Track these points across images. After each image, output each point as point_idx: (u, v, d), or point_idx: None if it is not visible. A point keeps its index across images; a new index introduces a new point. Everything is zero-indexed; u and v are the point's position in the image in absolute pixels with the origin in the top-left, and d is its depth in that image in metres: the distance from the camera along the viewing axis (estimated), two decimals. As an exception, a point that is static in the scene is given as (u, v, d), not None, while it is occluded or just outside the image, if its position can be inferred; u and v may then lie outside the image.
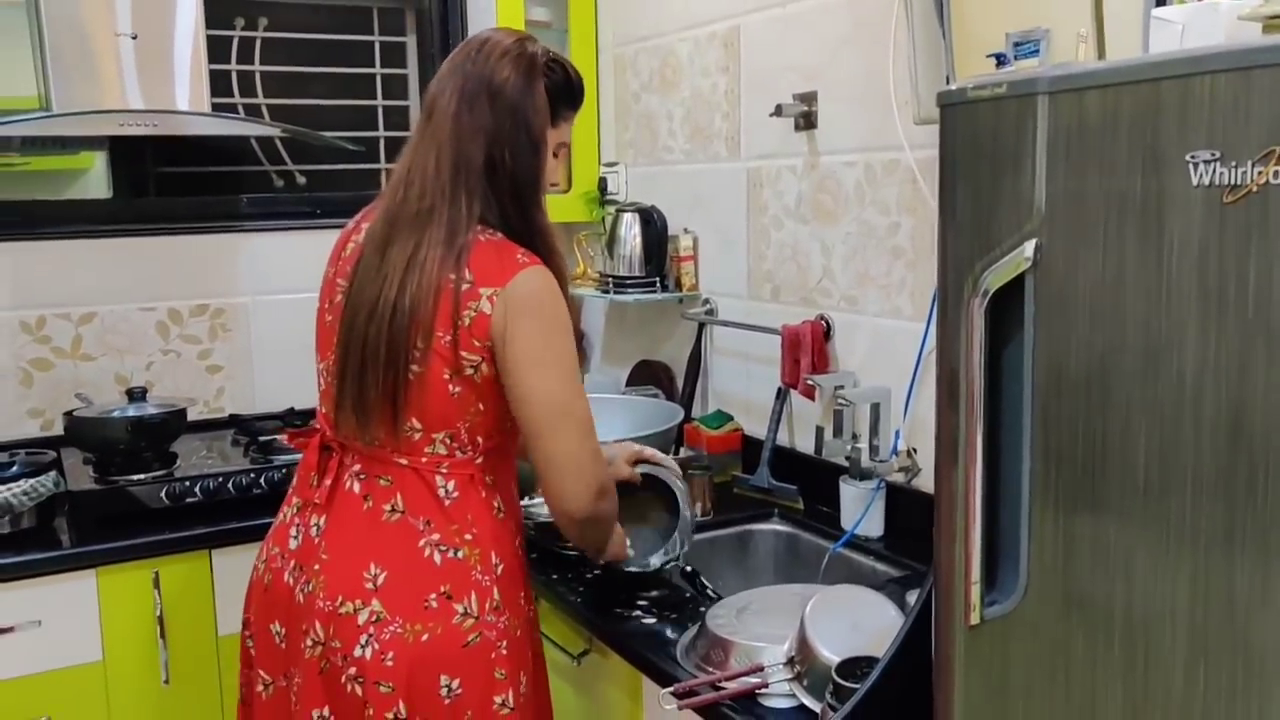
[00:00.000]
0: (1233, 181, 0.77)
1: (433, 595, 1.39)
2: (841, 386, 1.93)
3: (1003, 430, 0.99)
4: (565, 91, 1.48)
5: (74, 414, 2.21)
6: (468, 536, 1.42)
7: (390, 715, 1.36)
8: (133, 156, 2.53)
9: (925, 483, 1.87)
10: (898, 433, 1.90)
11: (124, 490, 2.07)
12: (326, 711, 1.40)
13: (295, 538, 1.48)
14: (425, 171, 1.40)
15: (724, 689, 1.39)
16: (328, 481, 1.45)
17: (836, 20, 2.00)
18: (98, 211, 2.49)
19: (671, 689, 1.40)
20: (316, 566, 1.43)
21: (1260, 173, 0.75)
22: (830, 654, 1.32)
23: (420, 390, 1.38)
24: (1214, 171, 0.78)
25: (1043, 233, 0.91)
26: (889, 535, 1.91)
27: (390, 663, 1.37)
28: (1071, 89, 0.88)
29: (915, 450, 1.89)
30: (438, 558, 1.40)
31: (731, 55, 2.29)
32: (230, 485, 2.13)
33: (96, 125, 2.18)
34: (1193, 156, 0.79)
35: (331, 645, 1.39)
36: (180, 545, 2.01)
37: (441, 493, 1.42)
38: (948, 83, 1.60)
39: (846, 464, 1.91)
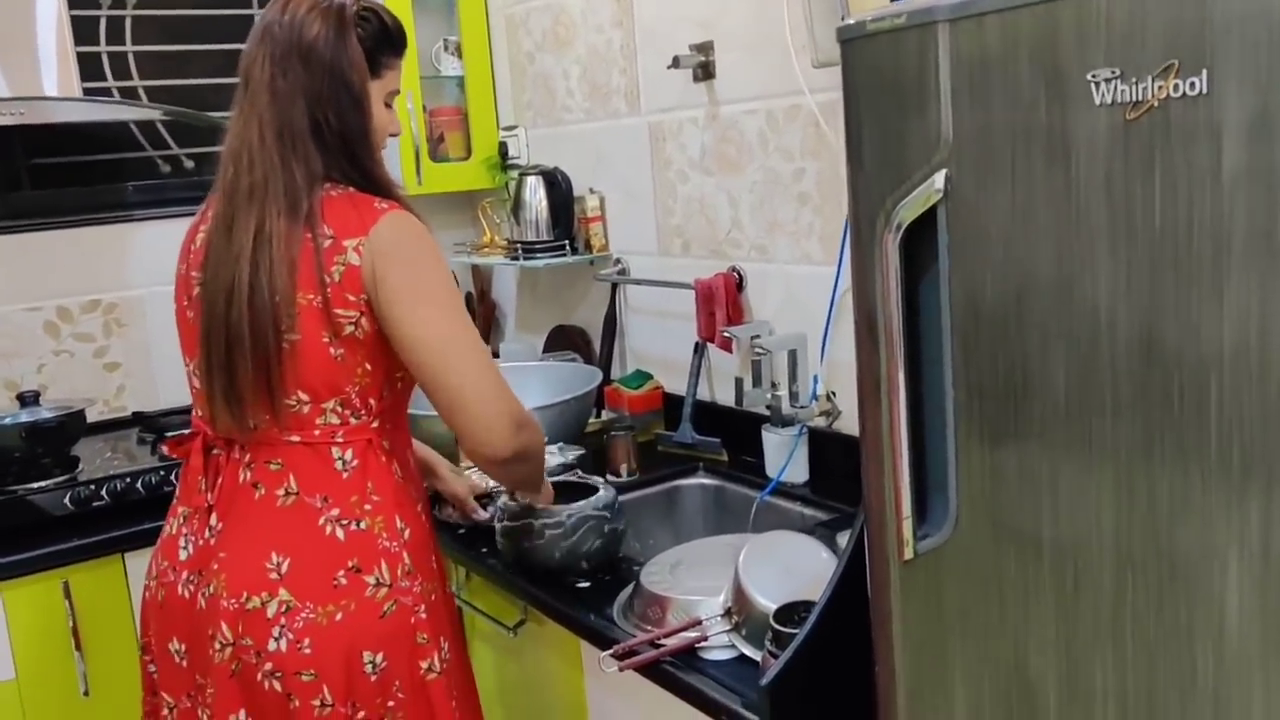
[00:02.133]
0: (1134, 99, 0.77)
1: (340, 572, 1.35)
2: (757, 336, 1.93)
3: (923, 365, 1.00)
4: (383, 39, 1.42)
5: (-38, 424, 2.10)
6: (368, 506, 1.38)
7: (316, 703, 1.33)
8: (1, 150, 2.39)
9: (847, 425, 1.89)
10: (816, 378, 1.92)
11: (23, 500, 1.98)
12: (243, 715, 1.35)
13: (185, 548, 1.42)
14: (251, 145, 1.35)
15: (663, 646, 1.39)
16: (218, 480, 1.40)
17: (728, -33, 1.98)
18: (-31, 210, 2.36)
19: (611, 651, 1.40)
20: (215, 566, 1.37)
21: (1160, 87, 0.76)
22: (767, 601, 1.33)
23: (300, 360, 1.33)
24: (1115, 89, 0.78)
25: (952, 163, 0.91)
26: (814, 480, 1.92)
27: (308, 650, 1.33)
28: (970, 14, 0.87)
29: (834, 394, 1.91)
30: (340, 533, 1.36)
31: (624, 9, 2.25)
32: (139, 485, 2.05)
33: (-42, 117, 2.05)
34: (1093, 75, 0.79)
35: (242, 644, 1.34)
36: (90, 552, 1.94)
37: (339, 464, 1.38)
38: (841, 22, 1.59)
39: (768, 413, 1.92)
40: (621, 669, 1.38)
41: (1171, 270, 0.78)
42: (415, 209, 1.42)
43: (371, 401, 1.39)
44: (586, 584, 1.61)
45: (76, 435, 2.15)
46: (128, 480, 2.04)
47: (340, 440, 1.38)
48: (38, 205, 2.42)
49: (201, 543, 1.40)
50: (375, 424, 1.40)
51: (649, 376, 2.32)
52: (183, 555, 1.42)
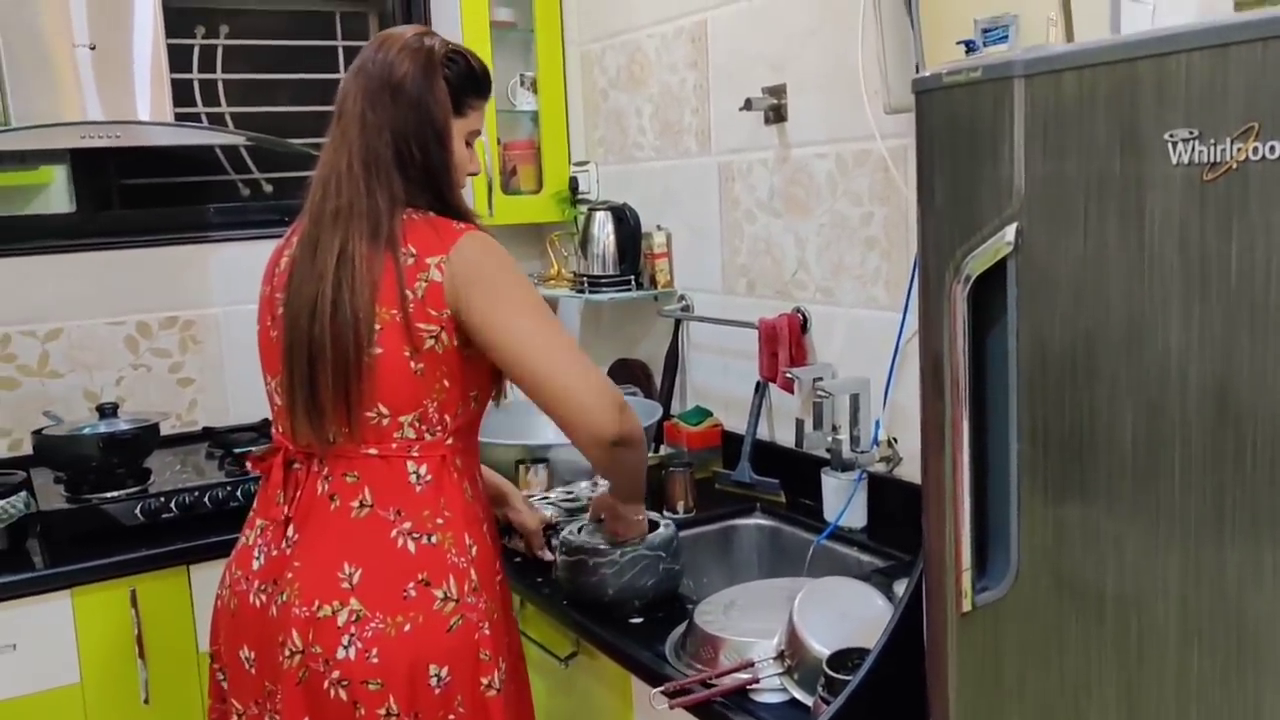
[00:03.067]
0: (1212, 159, 0.77)
1: (410, 584, 1.38)
2: (820, 378, 1.92)
3: (988, 415, 0.99)
4: (468, 81, 1.49)
5: (43, 432, 2.17)
6: (439, 521, 1.42)
7: (381, 712, 1.35)
8: (95, 169, 2.49)
9: (907, 472, 1.87)
10: (878, 423, 1.90)
11: (97, 509, 2.03)
12: None
13: (258, 558, 1.46)
14: (339, 172, 1.42)
15: (715, 686, 1.38)
16: (297, 493, 1.44)
17: (804, 12, 2.00)
18: (61, 226, 2.45)
19: (662, 688, 1.40)
20: (289, 575, 1.41)
21: (1239, 149, 0.75)
22: (821, 646, 1.32)
23: (381, 374, 1.38)
24: (1193, 150, 0.78)
25: (1023, 216, 0.91)
26: (872, 526, 1.91)
27: (375, 659, 1.35)
28: (1047, 71, 0.87)
29: (896, 440, 1.89)
30: (412, 546, 1.40)
31: (699, 50, 2.28)
32: (206, 499, 2.10)
33: (57, 138, 2.14)
34: (1171, 135, 0.79)
35: (311, 651, 1.37)
36: (157, 562, 1.98)
37: (413, 478, 1.42)
38: (917, 71, 1.60)
39: (827, 456, 1.91)
40: (672, 706, 1.37)
41: (1246, 330, 0.77)
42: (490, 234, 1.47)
43: (447, 418, 1.43)
44: (640, 620, 1.61)
45: (150, 448, 2.21)
46: (196, 494, 2.09)
47: (415, 455, 1.42)
48: (125, 224, 2.50)
49: (276, 553, 1.44)
50: (450, 441, 1.44)
51: (709, 413, 2.32)
52: (255, 565, 1.46)
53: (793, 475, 2.06)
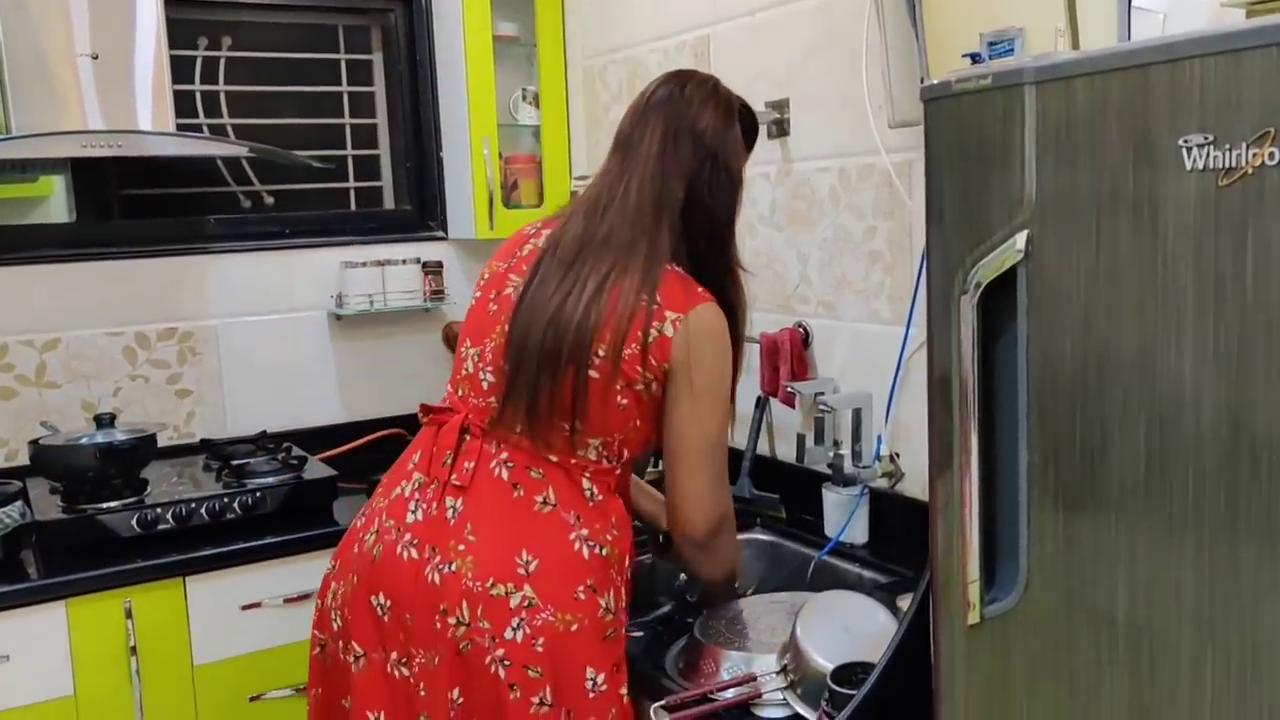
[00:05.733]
0: (1227, 164, 0.77)
1: (581, 588, 1.41)
2: (822, 393, 1.92)
3: (996, 426, 0.98)
4: (752, 131, 1.59)
5: (40, 442, 2.15)
6: (610, 536, 1.46)
7: (537, 700, 1.37)
8: (96, 179, 2.48)
9: (909, 488, 1.86)
10: (880, 438, 1.90)
11: (93, 519, 2.02)
12: (458, 693, 1.39)
13: (415, 512, 1.48)
14: (624, 203, 1.48)
15: (716, 700, 1.37)
16: (468, 464, 1.46)
17: (807, 27, 2.00)
18: (60, 235, 2.44)
19: (663, 702, 1.38)
20: (461, 547, 1.42)
21: (1255, 154, 0.75)
22: (824, 661, 1.30)
23: (592, 395, 1.42)
24: (1208, 155, 0.78)
25: (1034, 224, 0.91)
26: (874, 541, 1.89)
27: (540, 648, 1.38)
28: (1058, 78, 0.87)
29: (898, 455, 1.88)
30: (586, 552, 1.43)
31: (702, 64, 2.28)
32: (203, 511, 2.08)
33: (57, 147, 2.13)
34: (1185, 141, 0.79)
35: (479, 625, 1.39)
36: (153, 574, 1.96)
37: (588, 493, 1.46)
38: (923, 84, 1.59)
39: (829, 471, 1.90)
40: (673, 721, 1.36)
41: (1262, 341, 0.77)
42: (745, 298, 1.58)
43: (625, 452, 1.49)
44: (640, 633, 1.60)
45: (147, 459, 2.20)
46: (192, 505, 2.08)
47: (590, 474, 1.46)
48: (125, 234, 2.49)
49: (436, 515, 1.46)
50: (619, 471, 1.50)
51: (709, 428, 2.31)
52: (410, 519, 1.48)
53: (793, 490, 2.05)
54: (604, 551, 1.45)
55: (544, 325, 1.43)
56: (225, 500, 2.11)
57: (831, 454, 1.86)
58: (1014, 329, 0.95)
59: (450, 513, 1.45)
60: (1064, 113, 0.87)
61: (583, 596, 1.41)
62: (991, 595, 0.99)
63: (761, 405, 2.15)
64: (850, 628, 1.39)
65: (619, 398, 1.43)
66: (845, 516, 1.89)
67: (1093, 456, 0.89)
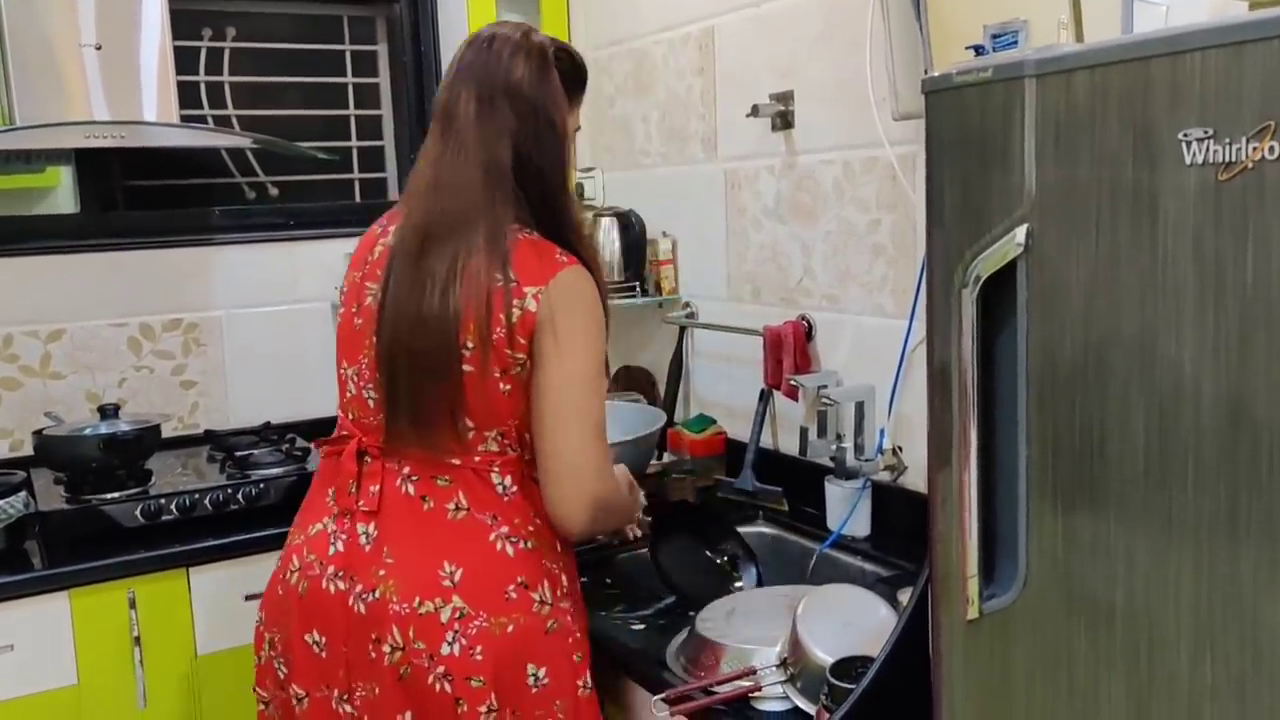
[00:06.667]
0: (1227, 159, 0.76)
1: (511, 586, 1.40)
2: (825, 386, 1.91)
3: (996, 421, 0.98)
4: (575, 77, 1.50)
5: (44, 433, 2.16)
6: (532, 528, 1.43)
7: (483, 709, 1.36)
8: (100, 170, 2.48)
9: (911, 481, 1.86)
10: (882, 431, 1.89)
11: (97, 509, 2.02)
12: (409, 717, 1.38)
13: (335, 544, 1.45)
14: (454, 179, 1.40)
15: (716, 694, 1.37)
16: (373, 488, 1.43)
17: (811, 19, 1.99)
18: (65, 226, 2.44)
19: (663, 695, 1.38)
20: (382, 572, 1.40)
21: (1255, 149, 0.74)
22: (824, 654, 1.30)
23: (473, 389, 1.38)
24: (1207, 149, 0.77)
25: (1034, 217, 0.90)
26: (876, 535, 1.89)
27: (479, 656, 1.36)
28: (1059, 71, 0.86)
29: (901, 448, 1.88)
30: (510, 549, 1.41)
31: (706, 56, 2.27)
32: (207, 502, 2.09)
33: (62, 137, 2.13)
34: (1185, 135, 0.78)
35: (414, 647, 1.37)
36: (156, 564, 1.97)
37: (500, 489, 1.43)
38: (927, 74, 1.59)
39: (831, 464, 1.90)
40: (673, 714, 1.36)
41: (1263, 334, 0.76)
42: (597, 254, 1.50)
43: (526, 436, 1.44)
44: (640, 626, 1.60)
45: (151, 449, 2.20)
46: (196, 496, 2.08)
47: (498, 468, 1.43)
48: (130, 225, 2.49)
49: (352, 544, 1.43)
50: (527, 457, 1.45)
51: (712, 421, 2.31)
52: (331, 551, 1.45)
53: (796, 484, 2.05)
54: (529, 545, 1.42)
55: (408, 330, 1.37)
56: (229, 491, 2.11)
57: (834, 447, 1.86)
58: (1014, 323, 0.94)
59: (364, 539, 1.42)
60: (1064, 106, 0.87)
61: (514, 595, 1.39)
62: (991, 590, 0.99)
63: (765, 398, 2.15)
64: (850, 622, 1.38)
65: (500, 385, 1.38)
66: (847, 510, 1.89)
67: (1092, 451, 0.89)
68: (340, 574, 1.43)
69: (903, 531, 1.84)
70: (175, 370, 2.52)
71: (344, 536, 1.44)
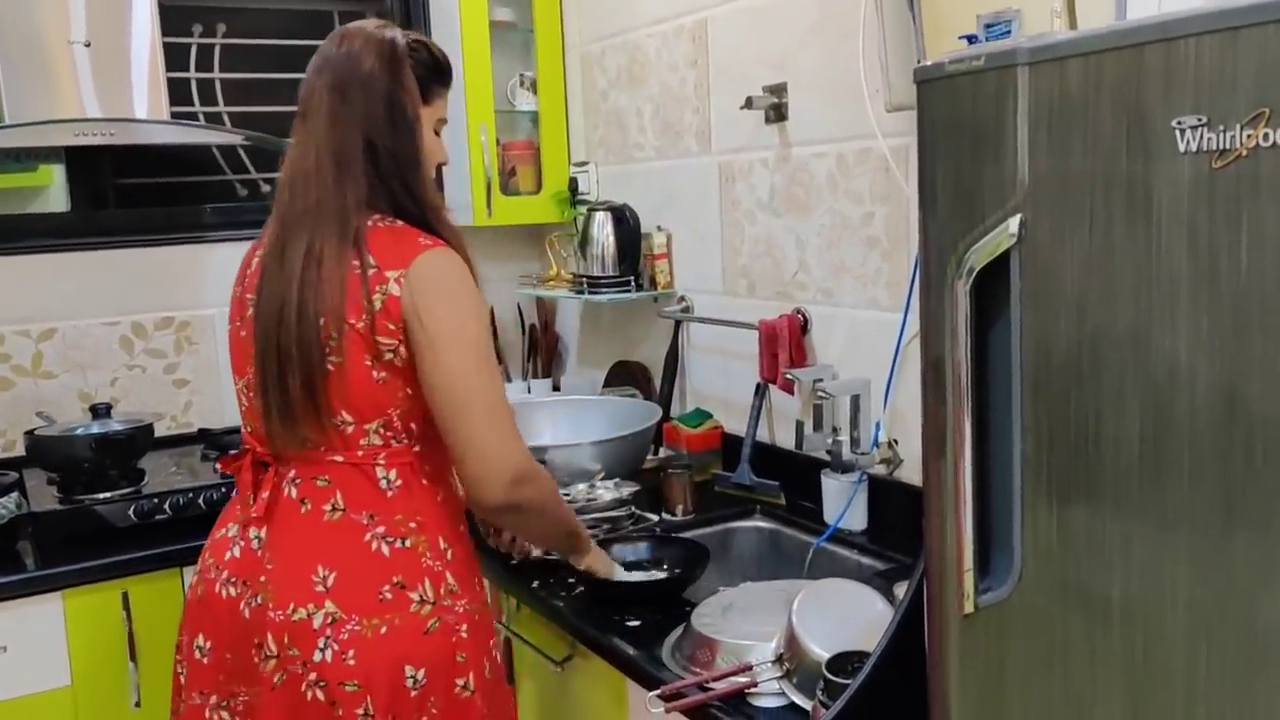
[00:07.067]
0: (1221, 146, 0.75)
1: (385, 587, 1.37)
2: (820, 380, 1.90)
3: (991, 413, 0.97)
4: (433, 69, 1.49)
5: (35, 433, 2.15)
6: (412, 525, 1.40)
7: (360, 712, 1.34)
8: (90, 169, 2.47)
9: (908, 474, 1.85)
10: (878, 424, 1.88)
11: (90, 509, 2.01)
12: None
13: (233, 549, 1.45)
14: (307, 170, 1.40)
15: (712, 689, 1.36)
16: (264, 494, 1.42)
17: (805, 10, 1.98)
18: (56, 225, 2.43)
19: (658, 691, 1.37)
20: (262, 578, 1.39)
21: (1249, 136, 0.73)
22: (820, 650, 1.29)
23: (344, 381, 1.36)
24: (1201, 137, 0.76)
25: (1027, 207, 0.89)
26: (873, 528, 1.88)
27: (352, 661, 1.34)
28: (1052, 59, 0.85)
29: (896, 441, 1.87)
30: (386, 549, 1.39)
31: (699, 49, 2.26)
32: (200, 500, 2.08)
33: (52, 135, 2.13)
34: (1179, 122, 0.77)
35: (289, 654, 1.36)
36: (150, 564, 1.96)
37: (384, 484, 1.40)
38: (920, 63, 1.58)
39: (828, 458, 1.89)
40: (668, 710, 1.35)
41: (1257, 325, 0.75)
42: (462, 239, 1.44)
43: (413, 425, 1.41)
44: (637, 622, 1.59)
45: (144, 449, 2.19)
46: (190, 495, 2.08)
47: (383, 461, 1.40)
48: (121, 224, 2.49)
49: (245, 550, 1.43)
50: (417, 448, 1.42)
51: (708, 415, 2.30)
52: (227, 556, 1.45)
53: (792, 477, 2.04)
54: (407, 543, 1.39)
55: (275, 328, 1.36)
56: (222, 490, 2.10)
57: (830, 441, 1.85)
58: (1008, 315, 0.93)
59: (255, 544, 1.42)
60: (1057, 94, 0.85)
61: (389, 596, 1.37)
62: (986, 584, 0.98)
63: (760, 392, 2.14)
64: (846, 616, 1.38)
65: (374, 373, 1.36)
66: (844, 503, 1.88)
67: (1087, 443, 0.88)
68: (233, 580, 1.43)
69: (899, 525, 1.83)
70: (168, 369, 2.51)
71: (241, 543, 1.44)
